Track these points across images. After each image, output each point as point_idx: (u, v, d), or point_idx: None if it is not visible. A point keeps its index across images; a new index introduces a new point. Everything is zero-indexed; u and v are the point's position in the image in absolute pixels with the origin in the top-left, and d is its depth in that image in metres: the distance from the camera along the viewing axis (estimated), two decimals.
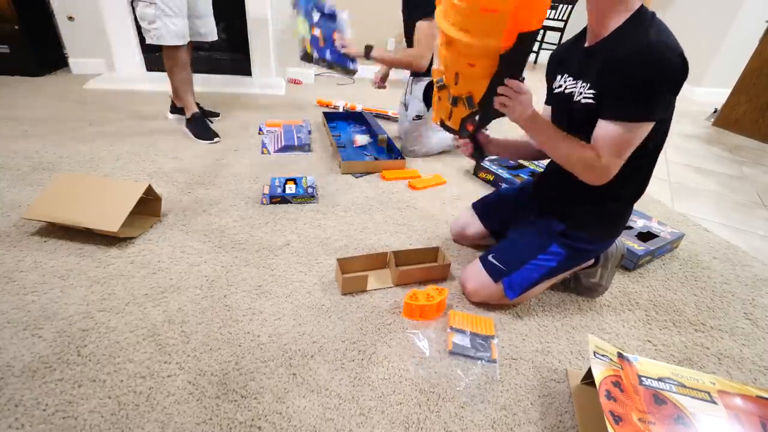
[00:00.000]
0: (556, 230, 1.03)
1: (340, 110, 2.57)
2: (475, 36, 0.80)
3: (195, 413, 0.76)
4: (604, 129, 0.85)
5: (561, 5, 4.14)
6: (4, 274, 1.05)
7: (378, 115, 2.52)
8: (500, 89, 0.89)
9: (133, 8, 1.80)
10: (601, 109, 0.86)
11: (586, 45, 0.93)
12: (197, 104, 2.10)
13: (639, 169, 0.94)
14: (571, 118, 0.94)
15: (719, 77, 3.72)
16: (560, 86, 0.99)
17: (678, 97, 0.84)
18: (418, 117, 1.93)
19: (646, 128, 0.83)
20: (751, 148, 2.70)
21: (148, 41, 1.81)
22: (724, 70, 3.65)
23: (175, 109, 2.17)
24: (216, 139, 1.98)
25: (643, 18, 0.84)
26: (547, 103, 1.10)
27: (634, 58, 0.80)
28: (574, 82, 0.94)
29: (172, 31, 1.78)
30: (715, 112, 3.20)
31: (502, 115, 0.97)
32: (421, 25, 1.74)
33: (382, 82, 2.22)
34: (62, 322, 0.93)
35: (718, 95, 3.48)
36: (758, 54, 2.82)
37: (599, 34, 0.89)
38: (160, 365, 0.85)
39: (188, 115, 2.02)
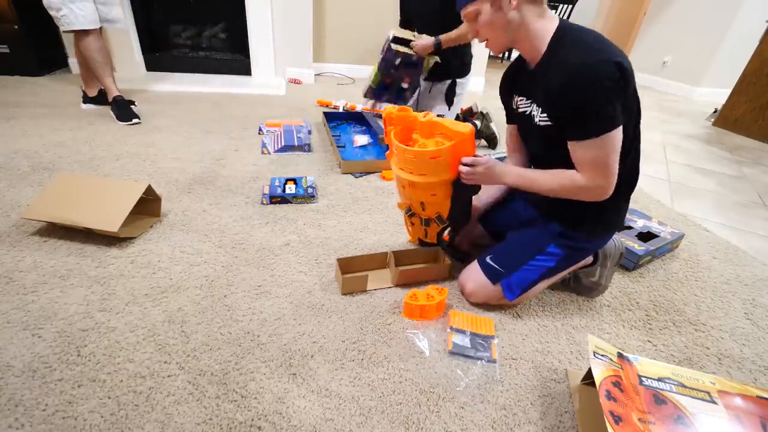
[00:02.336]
0: (553, 231, 1.03)
1: (340, 110, 2.57)
2: (431, 176, 1.01)
3: (195, 413, 0.76)
4: (577, 150, 0.87)
5: (561, 5, 4.14)
6: (4, 274, 1.05)
7: (378, 115, 2.52)
8: (461, 168, 0.99)
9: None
10: (566, 133, 0.88)
11: (531, 67, 0.95)
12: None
13: (622, 163, 0.93)
14: (539, 135, 0.97)
15: (719, 77, 3.72)
16: (518, 106, 1.02)
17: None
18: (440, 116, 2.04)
19: (616, 134, 0.83)
20: (751, 148, 2.70)
21: (62, 29, 1.87)
22: (724, 70, 3.66)
23: (88, 99, 2.19)
24: (135, 120, 2.06)
25: (562, 37, 0.86)
26: (508, 122, 1.12)
27: (567, 88, 0.83)
28: (529, 103, 0.98)
29: (80, 16, 1.83)
30: (715, 112, 3.20)
31: (468, 221, 1.16)
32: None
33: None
34: (62, 322, 0.93)
35: (718, 95, 3.48)
36: (758, 54, 2.82)
37: (534, 58, 0.92)
38: (160, 365, 0.85)
39: (110, 98, 2.09)
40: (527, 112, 0.98)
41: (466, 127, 0.98)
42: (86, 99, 2.21)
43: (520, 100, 1.01)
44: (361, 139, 2.10)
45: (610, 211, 1.00)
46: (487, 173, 0.98)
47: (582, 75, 0.80)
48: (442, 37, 1.86)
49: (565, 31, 0.87)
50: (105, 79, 2.06)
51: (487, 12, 0.89)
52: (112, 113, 2.11)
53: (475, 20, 0.92)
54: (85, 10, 1.84)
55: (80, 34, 1.89)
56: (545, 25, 0.88)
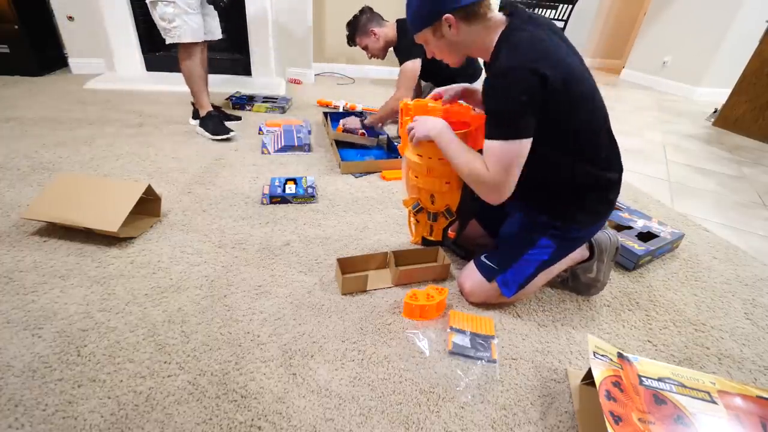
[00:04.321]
0: (541, 222, 1.03)
1: (340, 110, 2.57)
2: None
3: (195, 413, 0.76)
4: (486, 146, 0.90)
5: (561, 5, 4.13)
6: (4, 274, 1.05)
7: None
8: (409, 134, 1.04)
9: (148, 7, 1.78)
10: None
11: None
12: (218, 107, 2.13)
13: (579, 153, 0.94)
14: None
15: (719, 77, 3.72)
16: None
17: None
18: None
19: (523, 144, 0.85)
20: (751, 148, 2.70)
21: (169, 41, 1.82)
22: (724, 70, 3.66)
23: (198, 116, 2.07)
24: (231, 134, 1.99)
25: (503, 39, 0.88)
26: None
27: (487, 89, 0.88)
28: None
29: (191, 29, 1.81)
30: (715, 112, 3.20)
31: (475, 215, 1.20)
32: (404, 68, 1.90)
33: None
34: (62, 322, 0.93)
35: (718, 95, 3.48)
36: (758, 54, 2.82)
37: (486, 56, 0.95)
38: (160, 365, 0.85)
39: (203, 113, 2.01)
40: None
41: (483, 113, 1.02)
42: (196, 115, 2.09)
43: None
44: (351, 122, 2.02)
45: (593, 202, 1.00)
46: (419, 128, 1.02)
47: (496, 82, 0.85)
48: (368, 119, 2.00)
49: (504, 39, 0.88)
50: (201, 95, 1.99)
51: (431, 39, 0.95)
52: (203, 130, 1.99)
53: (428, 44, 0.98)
54: (196, 22, 1.80)
55: (187, 46, 1.84)
56: (490, 35, 0.90)
